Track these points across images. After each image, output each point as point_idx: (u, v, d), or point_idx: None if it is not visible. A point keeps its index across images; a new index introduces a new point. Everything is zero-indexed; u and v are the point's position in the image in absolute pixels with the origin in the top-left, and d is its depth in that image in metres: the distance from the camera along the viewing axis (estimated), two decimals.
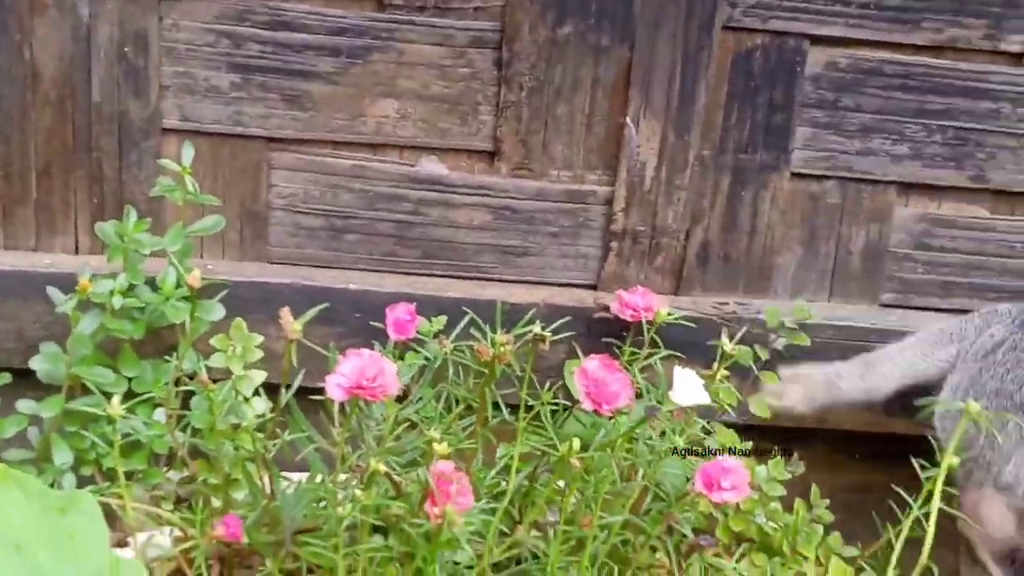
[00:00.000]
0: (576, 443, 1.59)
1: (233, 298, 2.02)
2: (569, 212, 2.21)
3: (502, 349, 1.71)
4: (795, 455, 2.06)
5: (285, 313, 1.63)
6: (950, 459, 1.67)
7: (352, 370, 1.56)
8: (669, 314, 2.00)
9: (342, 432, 1.65)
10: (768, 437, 2.20)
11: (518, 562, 1.83)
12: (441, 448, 1.63)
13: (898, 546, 1.69)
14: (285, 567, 1.77)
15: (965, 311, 2.31)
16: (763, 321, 2.20)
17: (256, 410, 1.91)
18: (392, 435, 1.76)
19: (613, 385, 1.65)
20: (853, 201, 2.25)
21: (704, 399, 1.63)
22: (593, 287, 2.26)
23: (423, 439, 1.66)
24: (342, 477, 1.73)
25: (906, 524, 1.68)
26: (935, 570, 1.69)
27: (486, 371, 1.76)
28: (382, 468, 1.59)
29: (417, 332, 1.96)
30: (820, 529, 1.96)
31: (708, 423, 2.02)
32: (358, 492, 1.60)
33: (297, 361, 1.77)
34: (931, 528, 1.67)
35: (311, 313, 1.67)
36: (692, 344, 2.11)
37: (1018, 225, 2.30)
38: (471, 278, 2.23)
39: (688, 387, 1.61)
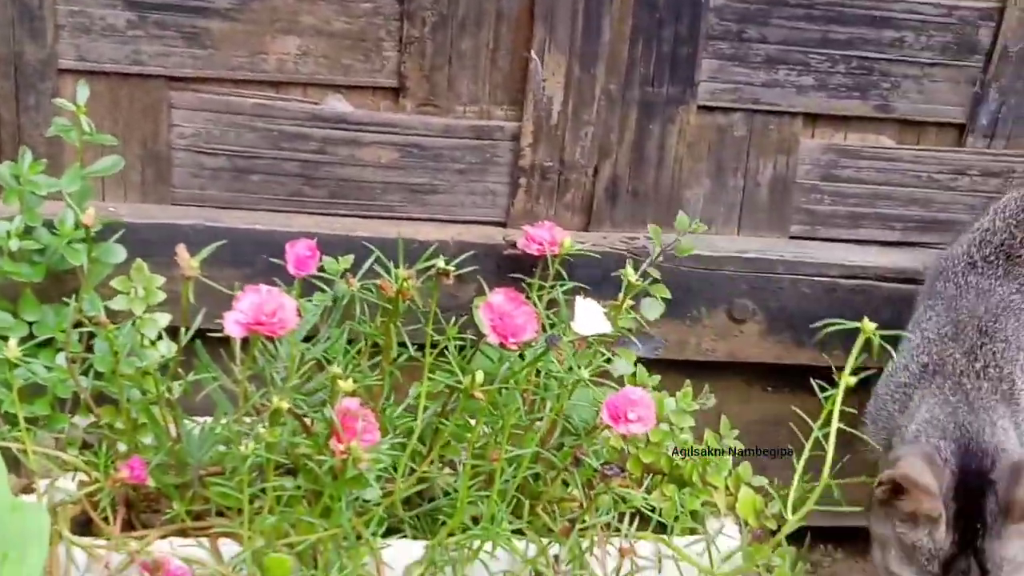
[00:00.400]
0: (480, 375, 1.59)
1: (137, 241, 1.99)
2: (476, 148, 2.19)
3: (405, 284, 1.70)
4: (706, 387, 2.06)
5: (181, 250, 1.60)
6: (847, 379, 1.69)
7: (250, 306, 1.54)
8: (572, 245, 1.99)
9: (243, 370, 1.64)
10: (680, 370, 2.21)
11: (431, 500, 1.83)
12: (346, 385, 1.62)
13: (799, 467, 1.71)
14: (193, 509, 1.76)
15: (872, 242, 2.34)
16: (672, 255, 2.19)
17: (161, 353, 1.88)
18: (298, 373, 1.75)
19: (519, 318, 1.64)
20: (760, 133, 2.25)
21: (606, 328, 1.63)
22: (503, 224, 2.24)
23: (327, 375, 1.65)
24: (249, 419, 1.73)
25: (808, 445, 1.70)
26: (835, 490, 1.70)
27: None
28: (285, 405, 1.58)
29: (325, 271, 1.95)
30: (729, 459, 1.97)
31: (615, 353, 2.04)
32: (262, 430, 1.59)
33: (204, 304, 1.76)
34: (831, 448, 1.68)
35: (208, 250, 1.65)
36: (602, 280, 2.10)
37: (923, 155, 2.31)
38: (379, 217, 2.20)
39: (590, 317, 1.61)
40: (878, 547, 1.87)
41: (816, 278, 2.27)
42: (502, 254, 2.17)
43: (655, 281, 2.11)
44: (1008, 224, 2.10)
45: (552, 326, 1.87)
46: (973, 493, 1.78)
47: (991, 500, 1.77)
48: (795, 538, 1.88)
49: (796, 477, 1.70)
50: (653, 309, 2.13)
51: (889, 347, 1.71)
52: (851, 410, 1.73)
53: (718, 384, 2.14)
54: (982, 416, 1.88)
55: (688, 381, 2.05)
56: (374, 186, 2.19)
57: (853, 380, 1.71)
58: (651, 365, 2.12)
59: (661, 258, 2.11)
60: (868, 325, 1.68)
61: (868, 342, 1.70)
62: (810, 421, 1.73)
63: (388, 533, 1.76)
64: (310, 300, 1.92)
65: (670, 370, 2.16)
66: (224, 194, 2.17)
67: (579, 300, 1.64)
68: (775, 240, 2.32)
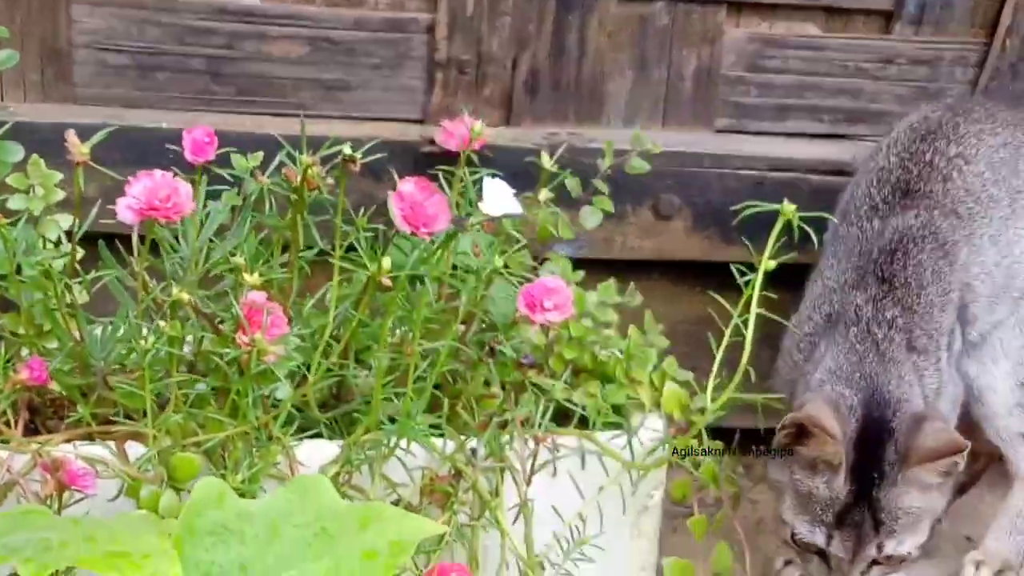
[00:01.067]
0: (387, 261, 1.54)
1: (37, 141, 1.91)
2: (390, 42, 2.14)
3: (310, 171, 1.64)
4: (631, 285, 2.02)
5: (70, 135, 1.54)
6: (767, 263, 1.67)
7: (143, 191, 1.49)
8: (482, 129, 1.92)
9: (140, 261, 1.58)
10: (605, 269, 2.15)
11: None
12: (252, 278, 1.58)
13: (719, 354, 1.69)
14: (101, 413, 1.70)
15: (800, 135, 2.30)
16: (596, 150, 2.14)
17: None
18: (207, 273, 1.70)
19: (431, 207, 1.60)
20: (683, 23, 2.20)
21: (516, 209, 1.58)
22: (420, 121, 2.20)
23: (232, 265, 1.60)
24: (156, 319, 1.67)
25: (727, 332, 1.67)
26: (752, 374, 1.69)
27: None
28: (186, 297, 1.53)
29: (234, 169, 1.88)
30: (653, 353, 1.93)
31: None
32: (162, 323, 1.54)
33: (108, 205, 1.69)
34: (749, 333, 1.66)
35: (99, 136, 1.59)
36: (522, 175, 2.04)
37: (852, 43, 2.28)
38: (291, 115, 2.14)
39: (499, 197, 1.56)
40: (775, 495, 1.86)
41: (743, 172, 2.23)
42: (420, 151, 2.12)
43: (598, 192, 2.06)
44: (902, 159, 2.03)
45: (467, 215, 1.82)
46: (872, 442, 1.77)
47: (890, 449, 1.76)
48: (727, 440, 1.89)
49: (715, 364, 1.68)
50: (593, 218, 2.08)
51: (813, 235, 1.69)
52: (772, 295, 1.71)
53: (645, 284, 2.09)
54: (890, 369, 1.85)
55: (613, 279, 2.01)
56: (284, 83, 2.14)
57: (772, 264, 1.68)
58: (576, 265, 2.08)
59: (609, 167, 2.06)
60: (788, 207, 1.66)
61: (791, 230, 1.67)
62: (732, 311, 1.71)
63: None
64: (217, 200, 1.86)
65: (595, 269, 2.10)
66: (129, 93, 2.11)
67: (487, 180, 1.59)
68: (701, 134, 2.28)
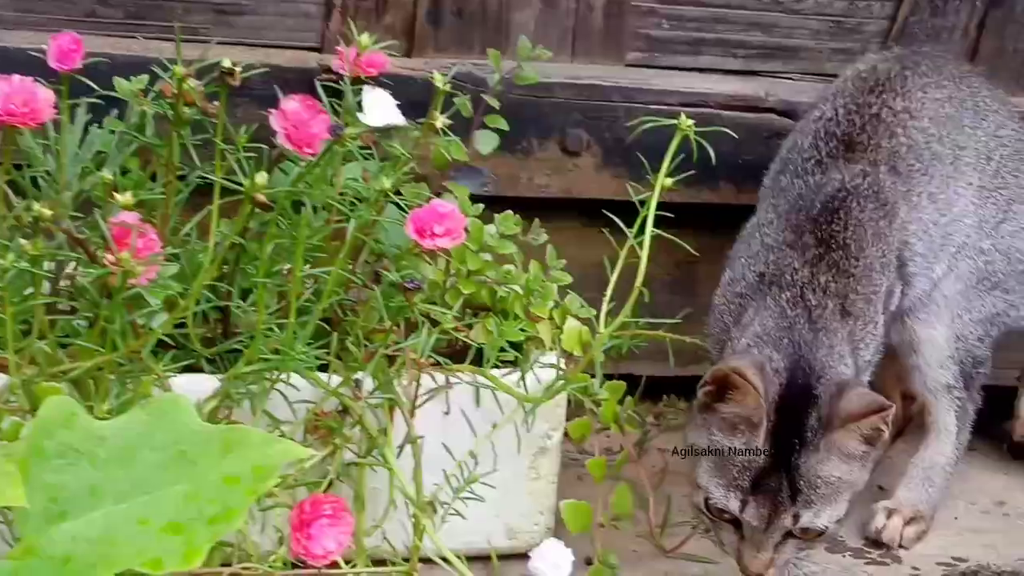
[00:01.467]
0: (263, 176, 1.46)
1: None
2: None
3: (185, 85, 1.56)
4: (536, 222, 1.95)
5: None
6: (663, 180, 1.64)
7: None
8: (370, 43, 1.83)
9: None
10: (511, 208, 2.08)
11: None
12: (124, 198, 1.49)
13: (614, 276, 1.69)
14: None
15: (713, 70, 2.24)
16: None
17: None
18: (75, 188, 1.62)
19: (315, 127, 1.53)
20: None
21: (398, 120, 1.50)
22: (318, 49, 2.13)
23: (95, 178, 1.52)
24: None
25: (622, 253, 1.67)
26: (647, 295, 1.67)
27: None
28: (47, 212, 1.45)
29: (117, 93, 1.80)
30: (554, 288, 1.86)
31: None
32: (23, 241, 1.46)
33: None
34: (644, 253, 1.62)
35: None
36: (424, 107, 1.96)
37: None
38: (183, 39, 2.05)
39: (380, 107, 1.48)
40: (692, 459, 1.79)
41: (654, 107, 2.16)
42: (315, 79, 2.02)
43: (491, 111, 1.99)
44: (848, 110, 1.99)
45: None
46: (795, 408, 1.72)
47: (812, 416, 1.71)
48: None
49: (610, 288, 1.67)
50: (488, 141, 2.00)
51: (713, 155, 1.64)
52: (668, 214, 1.67)
53: (555, 225, 2.03)
54: (821, 337, 1.80)
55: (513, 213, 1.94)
56: (175, 5, 2.07)
57: (670, 181, 1.65)
58: (480, 202, 2.00)
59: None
60: (684, 121, 1.61)
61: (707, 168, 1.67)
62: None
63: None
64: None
65: (500, 208, 2.03)
66: (9, 13, 2.03)
67: (367, 89, 1.51)
68: (610, 67, 2.22)
